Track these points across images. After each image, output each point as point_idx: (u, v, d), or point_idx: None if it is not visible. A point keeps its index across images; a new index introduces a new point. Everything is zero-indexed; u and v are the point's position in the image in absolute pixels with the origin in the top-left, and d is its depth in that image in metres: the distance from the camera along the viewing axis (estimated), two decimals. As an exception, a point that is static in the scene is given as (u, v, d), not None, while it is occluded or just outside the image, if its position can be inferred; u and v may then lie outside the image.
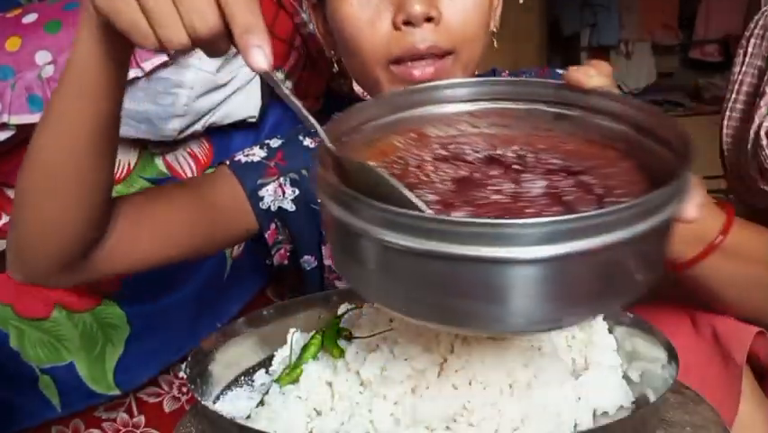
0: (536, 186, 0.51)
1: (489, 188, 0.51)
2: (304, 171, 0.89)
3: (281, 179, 0.87)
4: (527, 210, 0.47)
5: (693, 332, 0.79)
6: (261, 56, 0.51)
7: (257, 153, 0.89)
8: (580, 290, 0.43)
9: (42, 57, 0.95)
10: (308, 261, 0.93)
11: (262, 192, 0.86)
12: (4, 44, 0.96)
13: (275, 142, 0.91)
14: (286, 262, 0.94)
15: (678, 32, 5.07)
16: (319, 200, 0.48)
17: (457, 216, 0.46)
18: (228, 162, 0.87)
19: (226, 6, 0.50)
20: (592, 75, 0.55)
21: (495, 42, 0.85)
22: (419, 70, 0.75)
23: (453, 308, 0.43)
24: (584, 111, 0.57)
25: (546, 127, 0.58)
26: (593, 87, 0.55)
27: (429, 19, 0.74)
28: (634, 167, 0.52)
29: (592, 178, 0.51)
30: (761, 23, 1.32)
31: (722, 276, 0.72)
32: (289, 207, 0.87)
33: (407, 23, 0.74)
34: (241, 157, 0.88)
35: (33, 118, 0.94)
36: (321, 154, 0.51)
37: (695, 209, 0.47)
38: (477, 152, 0.57)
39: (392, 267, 0.44)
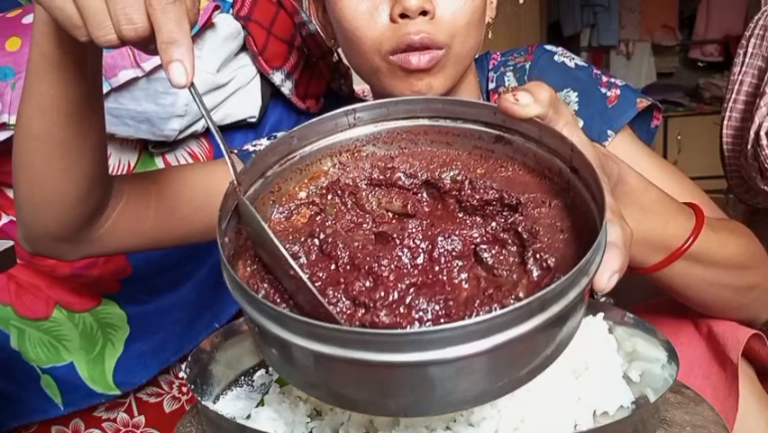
0: (453, 244, 0.53)
1: (403, 249, 0.53)
2: None
3: None
4: (431, 285, 0.50)
5: (693, 332, 0.79)
6: (181, 71, 0.50)
7: (265, 144, 0.91)
8: (487, 377, 0.44)
9: (42, 57, 0.95)
10: None
11: None
12: (4, 44, 0.96)
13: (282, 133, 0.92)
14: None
15: (678, 32, 5.07)
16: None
17: (364, 329, 0.47)
18: (236, 151, 0.90)
19: (153, 15, 0.50)
20: (527, 104, 0.52)
21: (490, 33, 0.87)
22: (416, 58, 0.77)
23: (379, 403, 0.46)
24: (522, 137, 0.56)
25: (487, 148, 0.57)
26: (527, 117, 0.53)
27: (424, 12, 0.76)
28: (563, 208, 0.53)
29: (520, 216, 0.52)
30: (761, 23, 1.32)
31: (687, 280, 0.71)
32: None
33: (403, 15, 0.76)
34: (248, 146, 0.91)
35: (33, 118, 0.94)
36: (228, 192, 0.53)
37: (606, 281, 0.47)
38: (413, 177, 0.57)
39: (300, 363, 0.45)
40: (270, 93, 1.11)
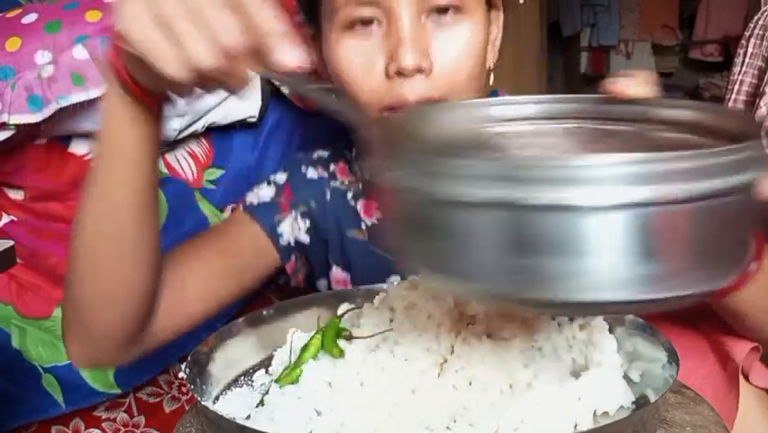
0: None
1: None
2: (312, 203, 0.91)
3: (293, 212, 0.89)
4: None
5: (694, 332, 0.79)
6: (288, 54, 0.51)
7: (266, 193, 0.90)
8: (675, 248, 0.39)
9: (42, 57, 0.95)
10: (322, 284, 0.95)
11: (280, 229, 0.88)
12: (4, 44, 0.96)
13: (280, 177, 0.92)
14: (302, 285, 0.96)
15: (678, 32, 5.07)
16: (375, 180, 0.45)
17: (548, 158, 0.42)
18: (242, 207, 0.89)
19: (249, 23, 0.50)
20: (635, 85, 0.52)
21: (492, 78, 0.84)
22: None
23: (535, 269, 0.39)
24: (634, 123, 0.53)
25: (596, 144, 0.54)
26: (638, 97, 0.52)
27: (420, 70, 0.73)
28: None
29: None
30: (761, 23, 1.33)
31: (754, 301, 0.68)
32: (305, 239, 0.90)
33: (399, 73, 0.73)
34: (253, 199, 0.89)
35: (33, 118, 0.94)
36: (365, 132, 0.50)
37: None
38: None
39: (465, 228, 0.40)
40: (270, 93, 1.11)
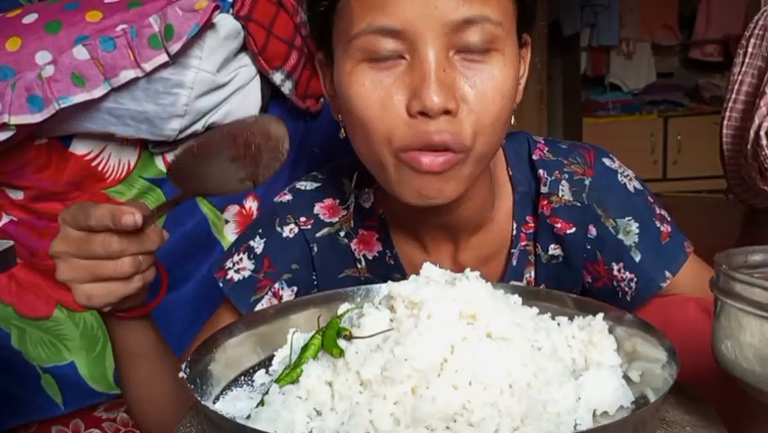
0: None
1: None
2: (295, 266, 0.87)
3: (276, 285, 0.87)
4: None
5: (703, 324, 0.79)
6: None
7: (246, 266, 0.87)
8: None
9: (42, 57, 0.95)
10: None
11: (258, 308, 0.85)
12: (4, 44, 0.96)
13: (258, 245, 0.87)
14: None
15: (678, 32, 5.07)
16: None
17: None
18: (221, 283, 0.87)
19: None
20: None
21: (513, 120, 0.77)
22: (429, 159, 0.70)
23: None
24: None
25: None
26: None
27: (447, 111, 0.68)
28: None
29: None
30: (761, 23, 1.33)
31: None
32: (292, 297, 0.88)
33: (422, 113, 0.68)
34: (232, 274, 0.87)
35: (33, 118, 0.94)
36: None
37: None
38: None
39: None
40: (270, 93, 1.11)
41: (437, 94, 0.67)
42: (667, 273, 0.82)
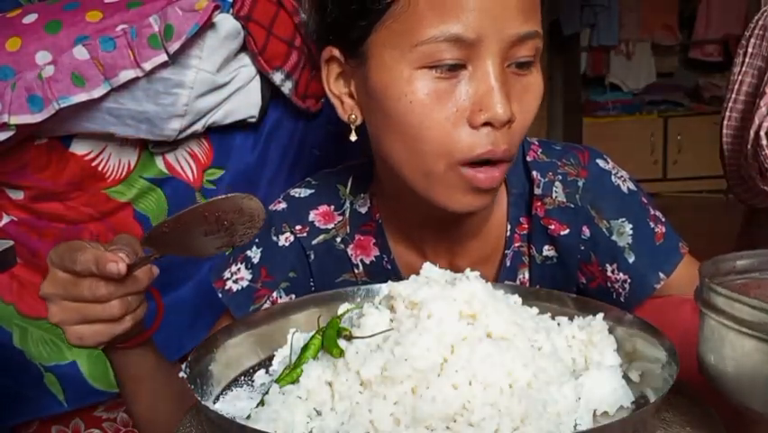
0: None
1: None
2: (292, 274, 0.87)
3: (274, 294, 0.87)
4: None
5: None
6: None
7: (243, 276, 0.87)
8: None
9: (42, 57, 0.95)
10: None
11: None
12: (4, 44, 0.96)
13: (254, 254, 0.87)
14: None
15: (678, 32, 5.07)
16: None
17: None
18: (220, 293, 0.87)
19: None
20: None
21: None
22: (486, 174, 0.72)
23: None
24: None
25: None
26: None
27: (510, 122, 0.70)
28: None
29: None
30: (761, 23, 1.33)
31: None
32: None
33: (487, 123, 0.69)
34: (231, 284, 0.87)
35: (33, 118, 0.94)
36: None
37: None
38: None
39: None
40: (270, 93, 1.11)
41: (503, 105, 0.68)
42: (661, 274, 0.82)
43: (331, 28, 0.77)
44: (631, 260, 0.83)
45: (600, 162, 0.86)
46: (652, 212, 0.85)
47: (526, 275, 0.88)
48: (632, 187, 0.86)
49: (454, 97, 0.70)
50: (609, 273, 0.84)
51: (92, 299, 0.66)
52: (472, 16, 0.68)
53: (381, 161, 0.80)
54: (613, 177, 0.85)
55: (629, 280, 0.83)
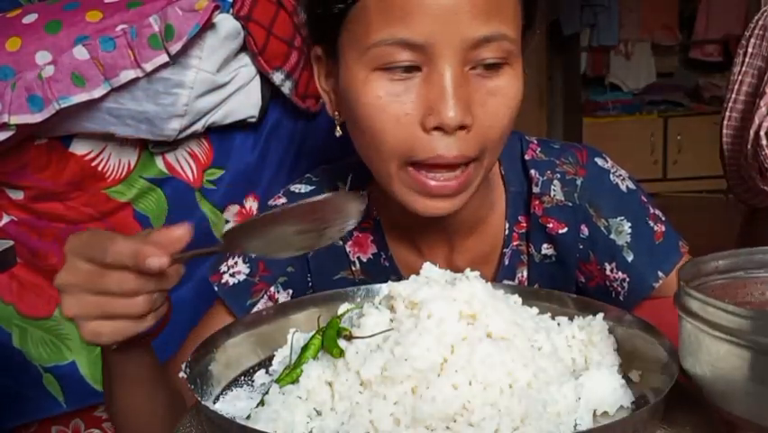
0: None
1: None
2: (290, 268, 0.87)
3: (272, 288, 0.86)
4: None
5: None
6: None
7: (241, 269, 0.86)
8: None
9: (42, 57, 0.95)
10: None
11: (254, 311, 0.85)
12: (4, 44, 0.96)
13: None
14: None
15: (678, 32, 5.07)
16: None
17: None
18: (216, 287, 0.86)
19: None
20: None
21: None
22: (437, 183, 0.71)
23: None
24: None
25: None
26: None
27: (463, 127, 0.68)
28: None
29: None
30: (761, 23, 1.33)
31: None
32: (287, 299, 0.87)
33: (437, 128, 0.68)
34: (227, 278, 0.86)
35: (33, 118, 0.94)
36: None
37: None
38: None
39: None
40: (270, 93, 1.11)
41: (455, 110, 0.67)
42: (660, 273, 0.82)
43: (312, 28, 0.78)
44: (630, 258, 0.82)
45: (599, 161, 0.86)
46: (651, 211, 0.85)
47: (525, 274, 0.88)
48: (631, 186, 0.86)
49: (407, 100, 0.69)
50: (608, 272, 0.83)
51: (119, 293, 0.60)
52: (420, 21, 0.66)
53: None
54: (612, 175, 0.85)
55: (628, 279, 0.83)
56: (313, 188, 0.90)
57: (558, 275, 0.87)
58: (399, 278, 0.83)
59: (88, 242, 0.61)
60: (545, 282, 0.87)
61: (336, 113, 0.79)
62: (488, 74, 0.70)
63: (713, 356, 0.49)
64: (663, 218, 0.85)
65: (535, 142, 0.88)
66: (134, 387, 0.74)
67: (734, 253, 0.58)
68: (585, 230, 0.84)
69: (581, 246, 0.84)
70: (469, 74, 0.69)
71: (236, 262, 0.87)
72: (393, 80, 0.69)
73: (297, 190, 0.90)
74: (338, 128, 0.79)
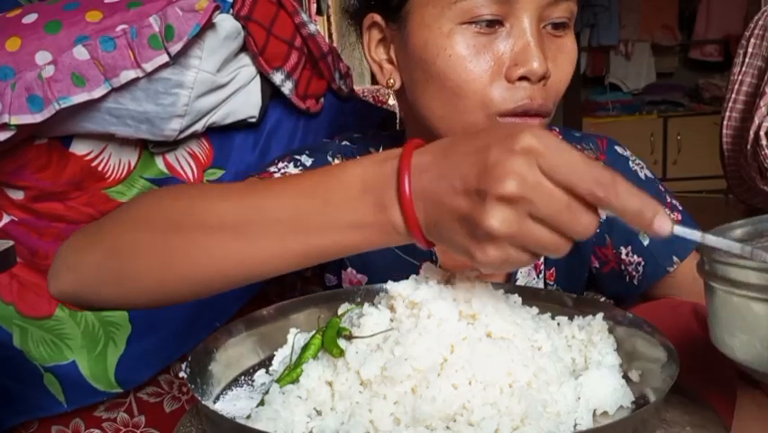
0: None
1: None
2: None
3: None
4: None
5: (694, 332, 0.79)
6: (666, 220, 0.51)
7: (291, 171, 0.85)
8: None
9: (42, 57, 0.95)
10: (329, 278, 0.94)
11: None
12: (4, 44, 0.96)
13: (306, 160, 0.87)
14: (309, 274, 0.94)
15: (678, 32, 5.07)
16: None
17: None
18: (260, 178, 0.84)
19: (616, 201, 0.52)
20: None
21: None
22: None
23: None
24: None
25: None
26: None
27: (546, 77, 0.73)
28: None
29: None
30: (761, 23, 1.33)
31: None
32: None
33: (523, 78, 0.72)
34: (274, 170, 0.85)
35: (33, 118, 0.94)
36: None
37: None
38: None
39: None
40: (270, 93, 1.11)
41: (539, 60, 0.71)
42: (675, 258, 0.85)
43: None
44: (646, 243, 0.85)
45: (618, 149, 0.90)
46: (668, 199, 0.88)
47: (542, 258, 0.89)
48: (649, 174, 0.89)
49: (492, 52, 0.73)
50: (624, 256, 0.86)
51: (580, 232, 0.55)
52: None
53: (416, 124, 0.81)
54: (631, 163, 0.89)
55: (643, 263, 0.85)
56: (313, 159, 0.88)
57: (574, 260, 0.88)
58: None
59: (588, 172, 0.55)
60: (561, 266, 0.89)
61: (391, 81, 0.81)
62: (556, 33, 0.76)
63: (748, 318, 0.49)
64: (681, 208, 0.88)
65: (557, 129, 0.92)
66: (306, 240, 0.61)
67: (751, 221, 0.58)
68: (602, 214, 0.85)
69: (598, 230, 0.86)
70: (543, 31, 0.74)
71: (287, 165, 0.86)
72: (478, 33, 0.73)
73: (301, 159, 0.88)
74: (392, 96, 0.81)
